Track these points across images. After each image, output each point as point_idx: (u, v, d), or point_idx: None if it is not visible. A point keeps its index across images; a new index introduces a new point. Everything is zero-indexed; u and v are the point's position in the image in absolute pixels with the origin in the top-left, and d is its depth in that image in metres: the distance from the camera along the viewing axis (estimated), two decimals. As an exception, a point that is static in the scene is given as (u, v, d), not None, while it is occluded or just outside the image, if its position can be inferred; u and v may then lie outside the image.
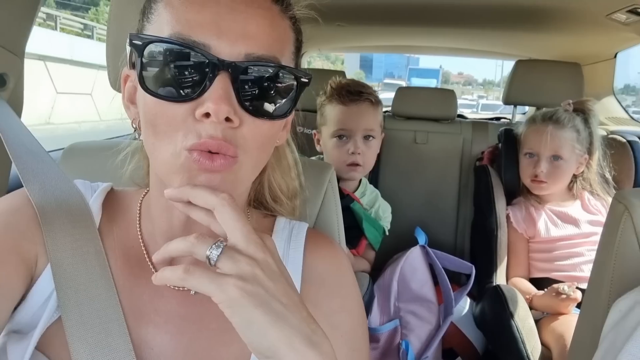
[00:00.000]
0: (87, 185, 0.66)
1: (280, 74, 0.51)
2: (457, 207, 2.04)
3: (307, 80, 0.54)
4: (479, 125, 2.12)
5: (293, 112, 0.59)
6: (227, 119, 0.48)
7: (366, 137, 1.39)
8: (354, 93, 1.37)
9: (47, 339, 0.54)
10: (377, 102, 1.42)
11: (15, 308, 0.55)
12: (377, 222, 1.48)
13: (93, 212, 0.61)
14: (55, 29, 11.45)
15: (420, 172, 2.05)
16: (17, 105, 0.88)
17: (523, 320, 1.27)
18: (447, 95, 2.10)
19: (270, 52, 0.51)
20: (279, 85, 0.52)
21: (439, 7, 1.76)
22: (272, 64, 0.51)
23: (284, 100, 0.52)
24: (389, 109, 2.14)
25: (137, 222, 0.63)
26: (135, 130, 0.60)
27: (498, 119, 2.44)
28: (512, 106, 2.16)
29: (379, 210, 1.53)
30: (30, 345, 0.52)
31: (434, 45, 2.63)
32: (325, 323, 0.61)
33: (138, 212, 0.63)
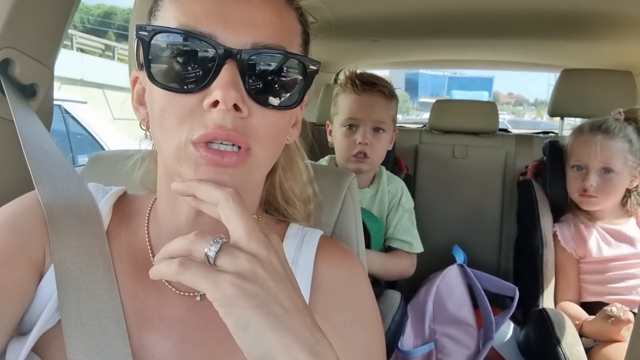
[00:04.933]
0: (99, 188, 0.66)
1: (289, 62, 0.51)
2: (500, 225, 1.94)
3: (315, 68, 0.52)
4: (523, 138, 2.03)
5: (302, 104, 0.57)
6: (236, 108, 0.47)
7: (376, 130, 1.35)
8: (366, 83, 1.35)
9: (45, 341, 0.53)
10: (390, 95, 1.38)
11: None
12: (378, 221, 1.39)
13: (102, 214, 0.60)
14: (113, 58, 12.17)
15: (459, 188, 1.97)
16: (46, 116, 0.90)
17: (571, 347, 1.16)
18: (487, 108, 2.03)
19: (277, 42, 0.50)
20: (287, 73, 0.51)
21: (479, 17, 1.71)
22: (280, 52, 0.50)
23: (292, 89, 0.52)
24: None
25: (146, 225, 0.62)
26: (145, 132, 0.61)
27: (545, 133, 2.33)
28: (559, 119, 2.05)
29: (402, 199, 1.45)
30: (25, 346, 0.51)
31: (476, 58, 2.56)
32: (335, 336, 0.57)
33: (147, 215, 0.62)
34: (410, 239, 1.39)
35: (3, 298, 0.51)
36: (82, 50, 11.45)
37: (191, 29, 0.48)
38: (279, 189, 0.68)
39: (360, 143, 1.32)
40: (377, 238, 1.35)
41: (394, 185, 1.47)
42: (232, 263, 0.41)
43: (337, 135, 1.40)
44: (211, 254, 0.41)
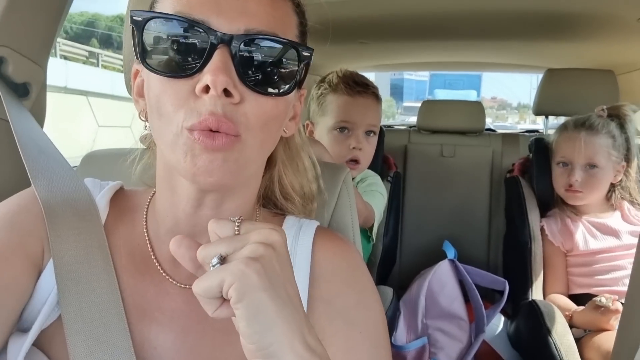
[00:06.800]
0: (96, 183, 0.66)
1: (281, 49, 0.51)
2: (488, 221, 1.97)
3: (309, 54, 0.52)
4: (509, 137, 2.07)
5: (301, 96, 0.57)
6: (227, 94, 0.47)
7: (367, 133, 1.32)
8: (360, 84, 1.31)
9: (47, 337, 0.53)
10: (380, 98, 1.37)
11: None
12: (368, 244, 1.36)
13: (99, 208, 0.60)
14: (98, 65, 12.06)
15: (447, 186, 2.01)
16: (39, 114, 0.90)
17: (561, 337, 1.19)
18: (474, 108, 2.07)
19: (270, 29, 0.50)
20: (280, 59, 0.51)
21: (465, 19, 1.74)
22: (271, 37, 0.50)
23: (286, 76, 0.52)
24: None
25: (144, 220, 0.62)
26: (144, 123, 0.61)
27: (530, 131, 2.38)
28: (544, 118, 2.10)
29: (369, 179, 1.39)
30: (27, 341, 0.51)
31: (462, 60, 2.60)
32: (340, 320, 0.58)
33: (145, 210, 0.62)
34: (369, 202, 1.32)
35: (0, 295, 0.51)
36: (65, 58, 11.34)
37: (185, 15, 0.48)
38: (277, 183, 0.68)
39: (354, 148, 1.28)
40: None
41: (368, 179, 1.41)
42: (244, 252, 0.40)
43: (324, 139, 1.32)
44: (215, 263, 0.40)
